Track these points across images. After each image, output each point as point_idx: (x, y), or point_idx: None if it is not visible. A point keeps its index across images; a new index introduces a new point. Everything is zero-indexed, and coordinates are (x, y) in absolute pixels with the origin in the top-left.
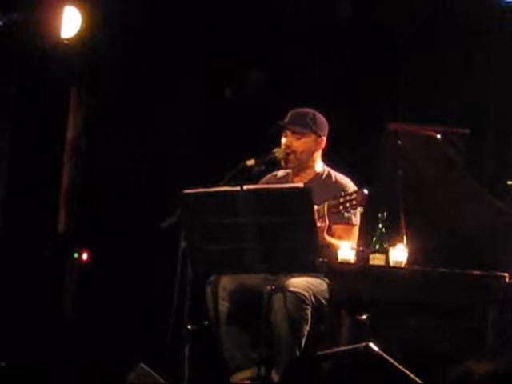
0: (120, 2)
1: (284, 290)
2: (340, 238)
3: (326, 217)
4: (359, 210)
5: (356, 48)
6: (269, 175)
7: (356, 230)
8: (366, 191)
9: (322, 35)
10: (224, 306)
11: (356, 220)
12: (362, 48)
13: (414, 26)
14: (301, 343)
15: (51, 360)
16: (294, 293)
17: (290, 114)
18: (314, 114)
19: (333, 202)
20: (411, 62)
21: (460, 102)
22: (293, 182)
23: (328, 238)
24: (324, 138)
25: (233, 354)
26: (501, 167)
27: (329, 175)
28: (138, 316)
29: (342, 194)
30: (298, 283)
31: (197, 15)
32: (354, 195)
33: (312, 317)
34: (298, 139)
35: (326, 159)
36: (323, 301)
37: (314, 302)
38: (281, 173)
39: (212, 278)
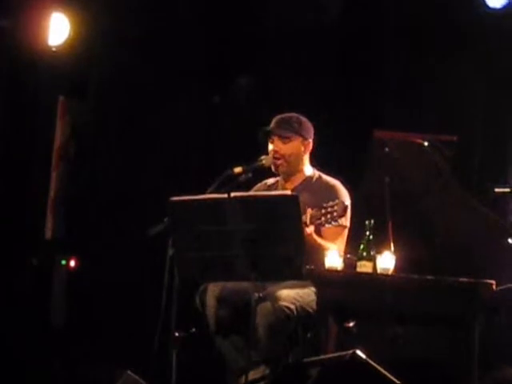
0: (109, 9)
1: (270, 299)
2: (328, 240)
3: (310, 226)
4: (346, 217)
5: (343, 54)
6: (259, 183)
7: (346, 232)
8: (346, 203)
9: (308, 42)
10: (212, 312)
11: (346, 222)
12: (349, 55)
13: (401, 31)
14: (280, 350)
15: (39, 367)
16: (279, 305)
17: (274, 119)
18: (298, 118)
19: (315, 213)
20: (398, 68)
21: (447, 109)
22: (283, 188)
23: (318, 240)
24: (310, 141)
25: (234, 357)
26: (488, 174)
27: (319, 178)
28: (126, 323)
29: (324, 205)
30: (286, 295)
31: (186, 23)
32: (335, 207)
33: (299, 325)
34: (286, 143)
35: (316, 164)
36: (311, 310)
37: (300, 313)
38: (271, 180)
39: (200, 288)
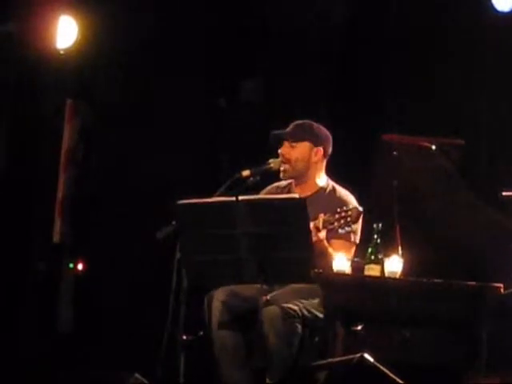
0: (116, 11)
1: (276, 302)
2: (336, 251)
3: (323, 231)
4: (357, 227)
5: (349, 59)
6: (270, 186)
7: (353, 248)
8: (360, 209)
9: (310, 43)
10: (216, 316)
11: (356, 238)
12: (355, 60)
13: (407, 34)
14: (292, 355)
15: (46, 371)
16: (283, 308)
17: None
18: (311, 124)
19: (328, 218)
20: (405, 72)
21: (454, 113)
22: (293, 193)
23: (328, 248)
24: (321, 148)
25: (228, 371)
26: (495, 177)
27: (333, 190)
28: (133, 326)
29: (338, 210)
30: (291, 298)
31: (190, 27)
32: (350, 212)
33: (306, 328)
34: (293, 148)
35: (331, 174)
36: (317, 313)
37: (305, 315)
38: (283, 183)
39: (210, 293)
